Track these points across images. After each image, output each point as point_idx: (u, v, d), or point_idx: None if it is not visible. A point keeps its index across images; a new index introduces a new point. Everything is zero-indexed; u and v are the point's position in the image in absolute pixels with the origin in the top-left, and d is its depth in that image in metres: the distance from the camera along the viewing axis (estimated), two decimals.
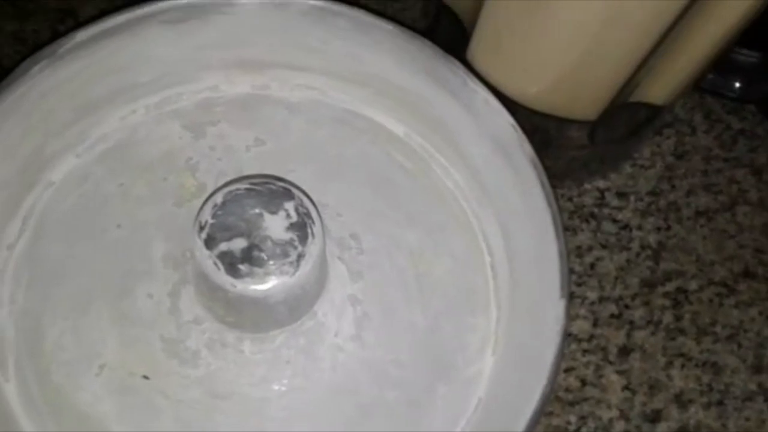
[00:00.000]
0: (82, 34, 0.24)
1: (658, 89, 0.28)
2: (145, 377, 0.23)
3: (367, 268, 0.26)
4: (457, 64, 0.26)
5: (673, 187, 0.33)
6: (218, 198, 0.22)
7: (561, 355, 0.22)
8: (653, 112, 0.30)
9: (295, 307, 0.24)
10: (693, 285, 0.31)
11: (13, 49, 0.32)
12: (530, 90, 0.27)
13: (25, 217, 0.25)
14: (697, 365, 0.30)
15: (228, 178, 0.25)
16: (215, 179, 0.26)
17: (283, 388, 0.24)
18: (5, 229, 0.25)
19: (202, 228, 0.22)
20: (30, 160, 0.25)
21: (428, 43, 0.26)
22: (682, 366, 0.30)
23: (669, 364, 0.30)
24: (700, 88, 0.29)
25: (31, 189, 0.25)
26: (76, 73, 0.25)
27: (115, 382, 0.23)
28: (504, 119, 0.25)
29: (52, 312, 0.24)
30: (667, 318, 0.31)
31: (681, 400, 0.29)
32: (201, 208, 0.22)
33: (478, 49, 0.27)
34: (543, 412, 0.22)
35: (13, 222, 0.25)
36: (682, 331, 0.30)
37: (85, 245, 0.25)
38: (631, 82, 0.26)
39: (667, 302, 0.31)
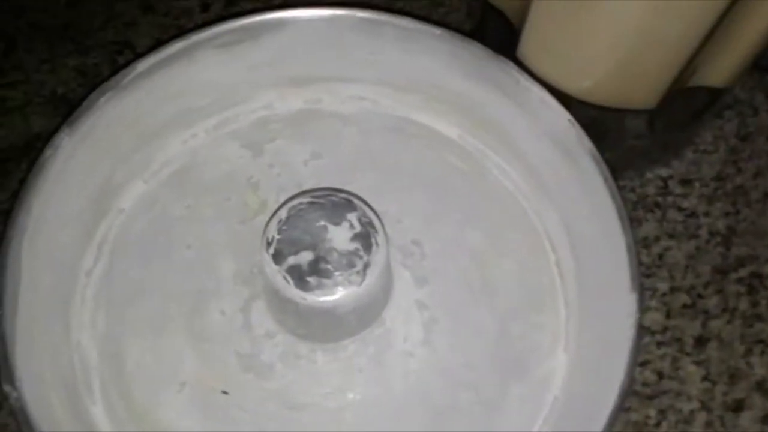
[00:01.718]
0: (142, 64, 0.25)
1: (717, 72, 0.27)
2: (224, 392, 0.24)
3: (431, 273, 0.26)
4: (509, 63, 0.26)
5: (739, 170, 0.32)
6: (283, 213, 0.23)
7: (637, 349, 0.22)
8: (713, 95, 0.29)
9: (364, 315, 0.24)
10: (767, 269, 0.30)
11: (76, 83, 0.33)
12: (584, 83, 0.27)
13: (99, 243, 0.26)
14: None
15: (288, 194, 0.26)
16: (276, 195, 0.27)
17: (358, 397, 0.24)
18: (83, 257, 0.26)
19: (269, 244, 0.22)
20: (101, 189, 0.26)
21: (477, 44, 0.26)
22: (762, 353, 0.29)
23: (748, 352, 0.29)
24: (760, 67, 0.28)
25: (103, 216, 0.26)
26: (138, 101, 0.26)
27: (196, 399, 0.24)
28: (561, 115, 0.25)
29: (131, 333, 0.25)
30: (743, 304, 0.30)
31: (764, 388, 0.28)
32: (267, 224, 0.23)
33: (529, 47, 0.27)
34: (622, 407, 0.21)
35: (89, 249, 0.26)
36: (759, 317, 0.29)
37: (157, 267, 0.26)
38: (689, 67, 0.25)
39: (742, 288, 0.30)
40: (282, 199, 0.25)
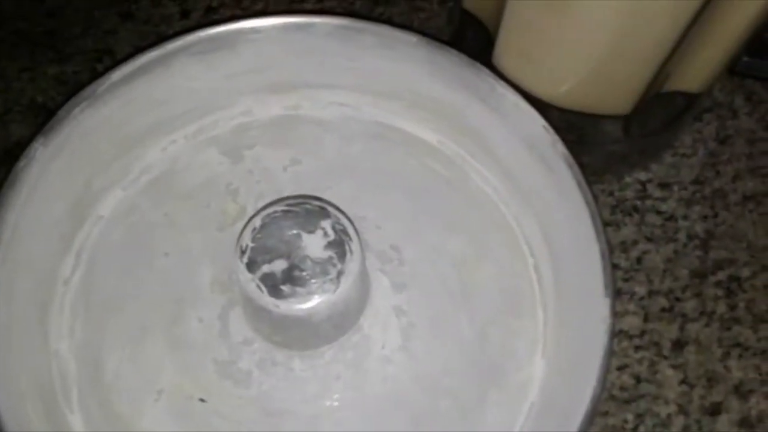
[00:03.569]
0: (117, 73, 0.25)
1: (692, 77, 0.27)
2: (202, 400, 0.24)
3: (409, 279, 0.26)
4: (484, 70, 0.26)
5: (718, 173, 0.32)
6: (257, 222, 0.23)
7: (610, 354, 0.22)
8: (690, 99, 0.29)
9: (340, 322, 0.24)
10: (746, 272, 0.30)
11: (56, 91, 0.33)
12: (559, 89, 0.27)
13: (78, 251, 0.26)
14: (755, 354, 0.29)
15: (267, 200, 0.26)
16: (255, 202, 0.27)
17: (336, 404, 0.24)
18: (60, 265, 0.26)
19: (243, 252, 0.22)
20: (79, 197, 0.26)
21: (454, 51, 0.26)
22: (740, 356, 0.29)
23: (726, 355, 0.29)
24: (735, 72, 0.29)
25: (82, 224, 0.26)
26: (115, 110, 0.26)
27: (173, 407, 0.24)
28: (535, 121, 0.25)
29: (109, 342, 0.25)
30: (721, 308, 0.30)
31: (741, 391, 0.28)
32: (241, 232, 0.23)
33: (504, 53, 0.27)
34: (596, 412, 0.21)
35: (67, 257, 0.26)
36: (737, 321, 0.30)
37: (135, 275, 0.26)
38: (662, 72, 0.25)
39: (720, 292, 0.30)
40: (261, 206, 0.26)
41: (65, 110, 0.25)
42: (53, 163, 0.25)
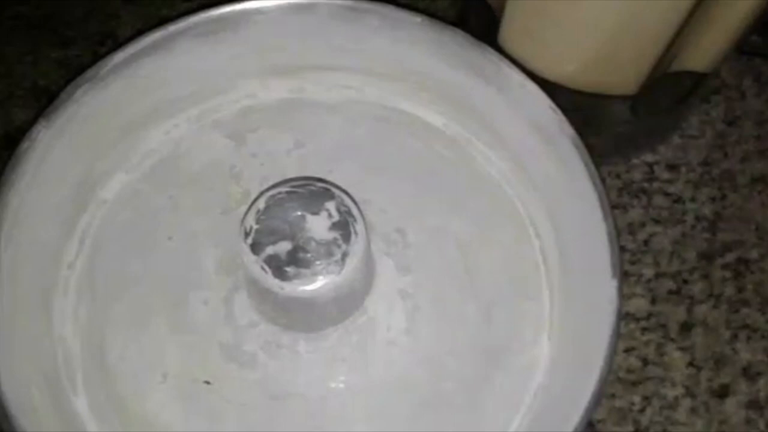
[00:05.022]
0: (119, 56, 0.25)
1: (699, 56, 0.27)
2: (207, 383, 0.24)
3: (414, 262, 0.26)
4: (490, 50, 0.25)
5: (726, 155, 0.32)
6: (261, 203, 0.23)
7: (617, 336, 0.22)
8: (697, 79, 0.29)
9: (345, 304, 0.24)
10: (754, 254, 0.30)
11: (58, 75, 0.33)
12: (566, 69, 0.26)
13: (81, 235, 0.26)
14: (763, 336, 0.29)
15: (271, 183, 0.26)
16: (259, 185, 0.27)
17: (341, 386, 0.24)
18: (64, 249, 0.26)
19: (247, 234, 0.22)
20: (82, 181, 0.26)
21: (459, 32, 0.26)
22: (748, 338, 0.29)
23: (734, 337, 0.29)
24: (744, 51, 0.28)
25: (85, 208, 0.26)
26: (118, 92, 0.26)
27: (178, 390, 0.24)
28: (542, 102, 0.25)
29: (114, 325, 0.25)
30: (729, 290, 0.30)
31: (749, 373, 0.28)
32: (245, 214, 0.23)
33: (509, 33, 0.27)
34: (603, 394, 0.21)
35: (71, 241, 0.26)
36: (745, 303, 0.29)
37: (140, 259, 0.26)
38: (670, 51, 0.25)
39: (728, 274, 0.30)
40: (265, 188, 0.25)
41: (67, 92, 0.25)
42: (56, 146, 0.25)
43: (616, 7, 0.23)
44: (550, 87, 0.25)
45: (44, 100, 0.32)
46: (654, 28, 0.24)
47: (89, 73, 0.25)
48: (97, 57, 0.33)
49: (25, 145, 0.24)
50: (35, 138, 0.24)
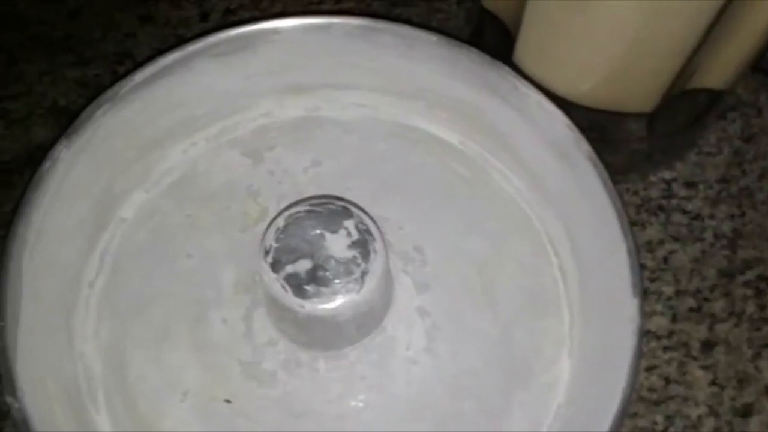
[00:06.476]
0: (139, 75, 0.25)
1: (716, 74, 0.27)
2: (227, 401, 0.24)
3: (432, 279, 0.26)
4: (506, 68, 0.25)
5: (744, 171, 0.32)
6: (280, 222, 0.23)
7: (639, 355, 0.21)
8: (714, 97, 0.29)
9: (364, 323, 0.24)
10: None
11: (77, 94, 0.33)
12: (581, 87, 0.26)
13: (101, 254, 0.26)
14: None
15: (288, 201, 0.26)
16: (276, 203, 0.27)
17: (360, 404, 0.24)
18: (85, 267, 0.26)
19: (267, 252, 0.22)
20: (102, 199, 0.26)
21: (474, 50, 0.26)
22: None
23: (756, 356, 0.28)
24: (761, 69, 0.28)
25: (105, 226, 0.26)
26: (137, 112, 0.26)
27: (199, 408, 0.24)
28: (559, 120, 0.25)
29: (134, 343, 0.25)
30: (750, 308, 0.29)
31: None
32: (265, 232, 0.23)
33: (525, 52, 0.27)
34: (626, 414, 0.21)
35: (92, 259, 0.26)
36: (767, 321, 0.29)
37: (159, 276, 0.26)
38: (686, 69, 0.25)
39: (749, 291, 0.30)
40: (282, 207, 0.25)
41: (88, 112, 0.25)
42: (77, 165, 0.25)
43: (634, 24, 0.23)
44: (566, 105, 0.25)
45: (64, 119, 0.32)
46: (671, 45, 0.24)
47: (109, 93, 0.25)
48: (116, 76, 0.34)
49: (47, 164, 0.24)
50: (57, 158, 0.24)
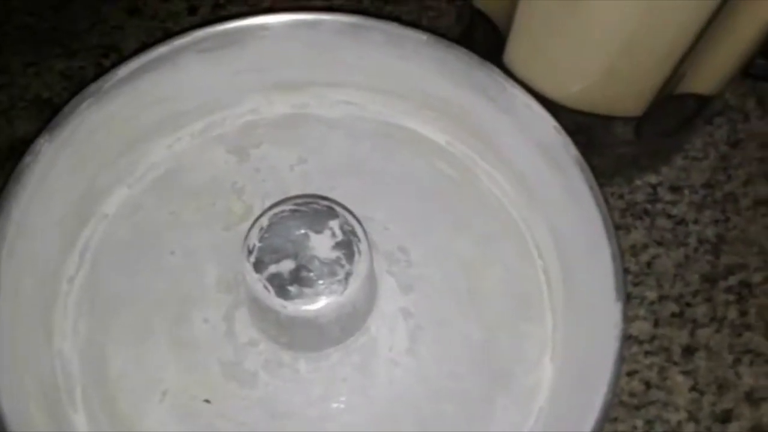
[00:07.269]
0: (123, 70, 0.25)
1: (705, 79, 0.27)
2: (207, 401, 0.24)
3: (417, 281, 0.26)
4: (495, 69, 0.25)
5: (729, 177, 0.32)
6: (264, 221, 0.23)
7: (621, 359, 0.21)
8: (702, 102, 0.29)
9: (347, 324, 0.24)
10: (757, 277, 0.30)
11: (61, 86, 0.33)
12: (571, 90, 0.26)
13: (82, 249, 0.26)
14: (767, 361, 0.29)
15: (273, 199, 0.26)
16: (261, 201, 0.27)
17: (342, 406, 0.24)
18: (65, 263, 0.25)
19: (250, 252, 0.22)
20: (83, 194, 0.26)
21: (464, 50, 0.26)
22: (751, 363, 0.29)
23: (737, 362, 0.29)
24: (749, 74, 0.28)
25: (86, 222, 0.26)
26: (121, 106, 0.26)
27: (178, 408, 0.24)
28: (546, 122, 0.25)
29: (113, 341, 0.25)
30: (732, 313, 0.29)
31: (752, 398, 0.28)
32: (248, 231, 0.23)
33: (515, 53, 0.27)
34: (606, 418, 0.21)
35: (72, 255, 0.26)
36: (748, 327, 0.29)
37: (140, 274, 0.26)
38: (675, 74, 0.25)
39: (731, 297, 0.30)
40: (267, 205, 0.25)
41: (71, 106, 0.24)
42: (58, 160, 0.24)
43: (625, 28, 0.23)
44: (554, 107, 0.25)
45: (47, 111, 0.32)
46: (662, 49, 0.24)
47: (93, 87, 0.25)
48: (101, 69, 0.33)
49: (28, 158, 0.23)
50: (38, 151, 0.24)
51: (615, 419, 0.27)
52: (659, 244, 0.31)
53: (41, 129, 0.24)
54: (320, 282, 0.22)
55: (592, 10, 0.23)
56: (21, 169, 0.23)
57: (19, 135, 0.32)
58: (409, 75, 0.27)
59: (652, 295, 0.30)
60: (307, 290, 0.22)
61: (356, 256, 0.22)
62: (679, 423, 0.28)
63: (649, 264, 0.30)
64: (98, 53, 0.34)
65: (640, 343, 0.29)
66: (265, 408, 0.24)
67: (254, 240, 0.22)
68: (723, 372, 0.28)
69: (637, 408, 0.28)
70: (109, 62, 0.33)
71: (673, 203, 0.31)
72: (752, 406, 0.28)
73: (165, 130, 0.27)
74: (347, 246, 0.22)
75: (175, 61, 0.26)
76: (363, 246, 0.22)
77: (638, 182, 0.32)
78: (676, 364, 0.28)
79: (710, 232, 0.31)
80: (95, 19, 0.34)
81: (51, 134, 0.24)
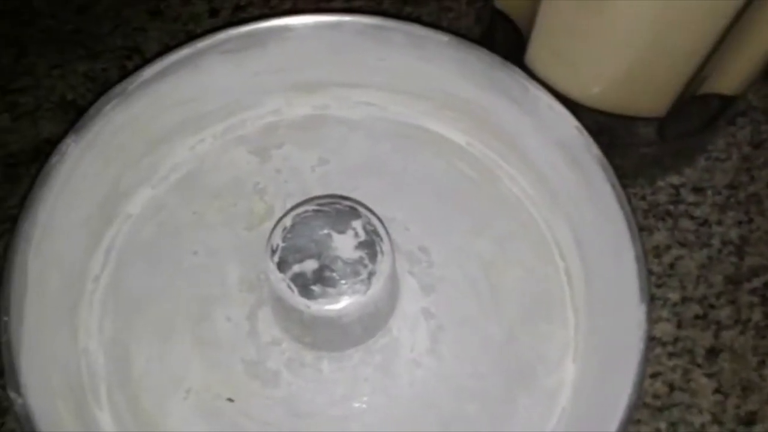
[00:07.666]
0: (147, 72, 0.25)
1: (728, 79, 0.27)
2: (230, 399, 0.24)
3: (438, 281, 0.26)
4: (517, 70, 0.25)
5: (753, 178, 0.32)
6: (287, 221, 0.23)
7: (645, 361, 0.21)
8: (725, 102, 0.28)
9: (370, 324, 0.24)
10: None
11: (85, 88, 0.33)
12: (593, 90, 0.26)
13: (107, 249, 0.26)
14: None
15: (295, 200, 0.26)
16: (283, 201, 0.27)
17: (364, 406, 0.24)
18: (90, 262, 0.26)
19: (274, 252, 0.22)
20: (108, 195, 0.26)
21: (485, 51, 0.26)
22: None
23: (761, 364, 0.28)
24: None
25: (111, 222, 0.26)
26: (145, 107, 0.26)
27: (201, 406, 0.24)
28: (569, 123, 0.25)
29: (137, 340, 0.25)
30: (756, 315, 0.29)
31: None
32: (272, 231, 0.23)
33: (537, 53, 0.27)
34: (630, 420, 0.21)
35: (97, 255, 0.26)
36: None
37: (164, 273, 0.26)
38: (699, 75, 0.25)
39: (755, 299, 0.29)
40: (289, 206, 0.25)
41: (96, 107, 0.25)
42: (84, 160, 0.25)
43: (648, 28, 0.23)
44: (576, 108, 0.25)
45: (72, 113, 0.32)
46: (686, 50, 0.24)
47: (118, 88, 0.25)
48: (125, 71, 0.33)
49: (54, 159, 0.24)
50: (64, 152, 0.24)
51: (638, 421, 0.27)
52: (682, 245, 0.30)
53: (66, 130, 0.24)
54: (343, 282, 0.22)
55: (617, 10, 0.23)
56: (47, 170, 0.24)
57: (45, 136, 0.32)
58: (430, 76, 0.27)
59: (675, 296, 0.29)
60: (330, 290, 0.22)
61: (379, 256, 0.22)
62: (703, 425, 0.27)
63: (672, 265, 0.30)
64: (121, 55, 0.34)
65: (664, 344, 0.28)
66: (288, 407, 0.24)
67: (278, 240, 0.22)
68: (747, 374, 0.28)
69: (661, 410, 0.27)
70: (132, 64, 0.34)
71: (696, 204, 0.31)
72: None
73: (188, 131, 0.28)
74: (370, 246, 0.22)
75: (198, 63, 0.26)
76: (386, 246, 0.23)
77: (661, 183, 0.31)
78: (699, 366, 0.28)
79: (734, 234, 0.31)
80: (118, 22, 0.35)
81: (77, 135, 0.24)
